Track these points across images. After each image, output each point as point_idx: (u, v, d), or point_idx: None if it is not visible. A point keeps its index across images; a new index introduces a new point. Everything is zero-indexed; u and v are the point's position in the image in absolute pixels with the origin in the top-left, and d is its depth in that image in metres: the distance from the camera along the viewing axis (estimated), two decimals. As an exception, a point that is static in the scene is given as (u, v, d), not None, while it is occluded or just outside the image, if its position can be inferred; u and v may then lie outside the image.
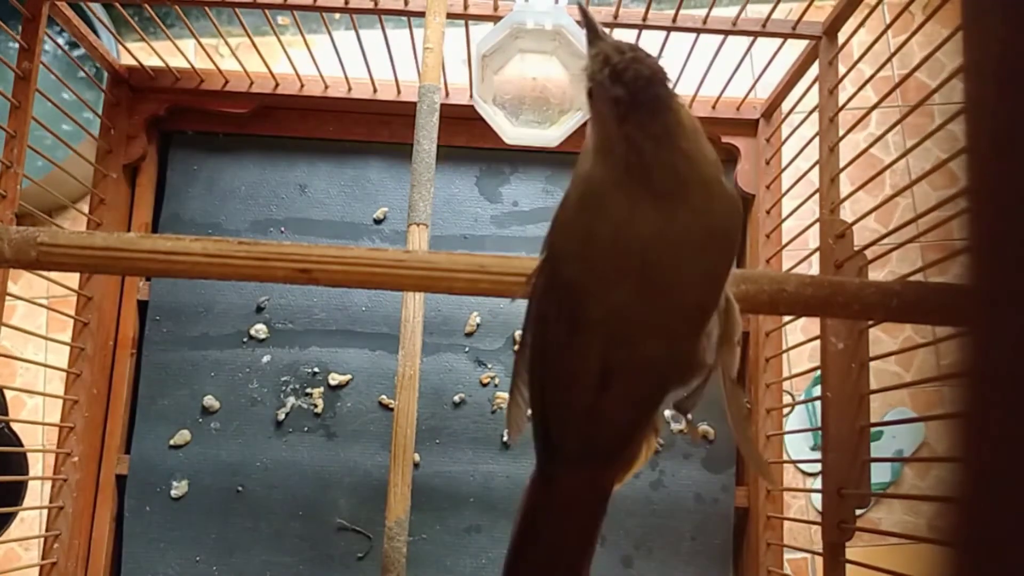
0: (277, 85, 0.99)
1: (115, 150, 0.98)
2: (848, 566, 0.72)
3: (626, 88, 0.39)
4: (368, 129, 1.02)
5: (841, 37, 0.85)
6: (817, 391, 1.39)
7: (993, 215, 0.24)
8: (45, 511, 0.89)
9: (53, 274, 0.79)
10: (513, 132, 0.90)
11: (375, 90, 1.00)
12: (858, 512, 0.72)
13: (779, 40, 0.88)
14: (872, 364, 0.73)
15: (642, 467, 0.49)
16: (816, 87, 0.85)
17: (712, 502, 0.94)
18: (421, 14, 0.85)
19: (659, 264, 0.40)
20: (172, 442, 0.95)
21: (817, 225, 0.80)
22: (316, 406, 0.95)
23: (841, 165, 0.80)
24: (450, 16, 0.84)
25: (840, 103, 0.82)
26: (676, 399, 0.47)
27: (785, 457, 1.41)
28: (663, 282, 0.41)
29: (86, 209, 0.97)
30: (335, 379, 0.96)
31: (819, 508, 1.39)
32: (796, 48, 0.90)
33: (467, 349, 0.97)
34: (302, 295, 0.98)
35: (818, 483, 1.40)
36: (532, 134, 0.91)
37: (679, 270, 0.41)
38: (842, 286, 0.52)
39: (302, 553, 0.92)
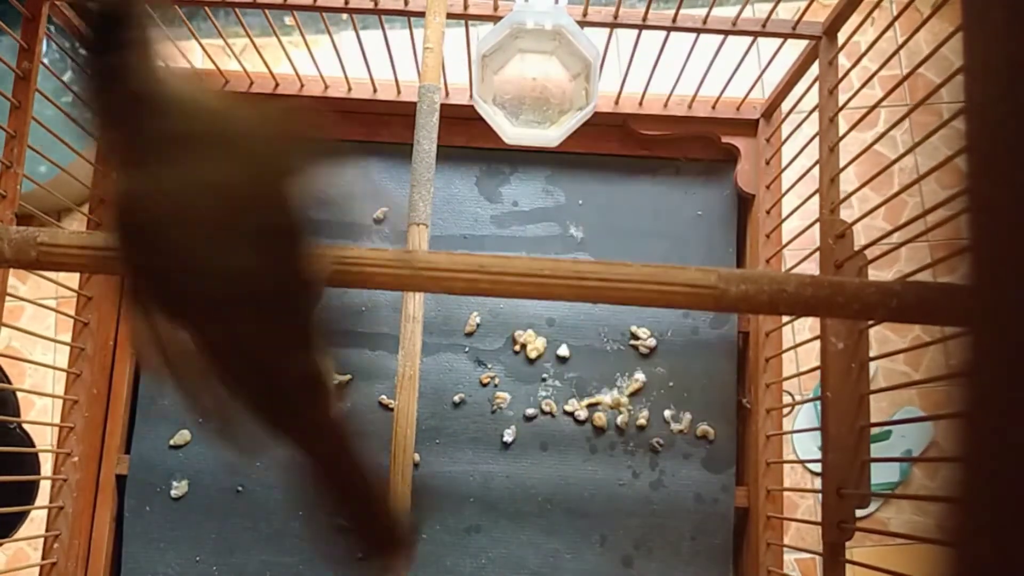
0: (277, 85, 0.99)
1: (115, 150, 0.98)
2: (849, 566, 0.72)
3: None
4: (368, 129, 1.02)
5: (841, 37, 0.85)
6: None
7: (993, 215, 0.24)
8: (45, 511, 0.89)
9: (52, 274, 0.79)
10: (513, 132, 0.90)
11: (375, 90, 1.00)
12: (862, 512, 0.72)
13: (779, 40, 0.88)
14: (880, 363, 0.73)
15: None
16: (816, 87, 0.85)
17: (712, 502, 0.94)
18: (421, 14, 0.85)
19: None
20: (172, 442, 0.95)
21: (817, 225, 0.80)
22: (316, 406, 0.95)
23: (844, 163, 0.80)
24: (450, 16, 0.84)
25: (842, 102, 0.82)
26: None
27: (793, 457, 1.41)
28: None
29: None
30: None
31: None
32: (796, 48, 0.90)
33: (467, 349, 0.97)
34: (302, 295, 0.98)
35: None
36: (532, 134, 0.91)
37: None
38: (842, 286, 0.52)
39: (302, 553, 0.92)
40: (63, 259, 0.53)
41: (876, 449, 1.21)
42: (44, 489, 1.19)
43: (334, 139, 0.42)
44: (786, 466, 1.06)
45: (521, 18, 0.85)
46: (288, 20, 1.48)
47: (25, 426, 1.14)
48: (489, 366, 0.97)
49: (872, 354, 0.73)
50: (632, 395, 0.96)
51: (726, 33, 0.89)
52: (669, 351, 0.97)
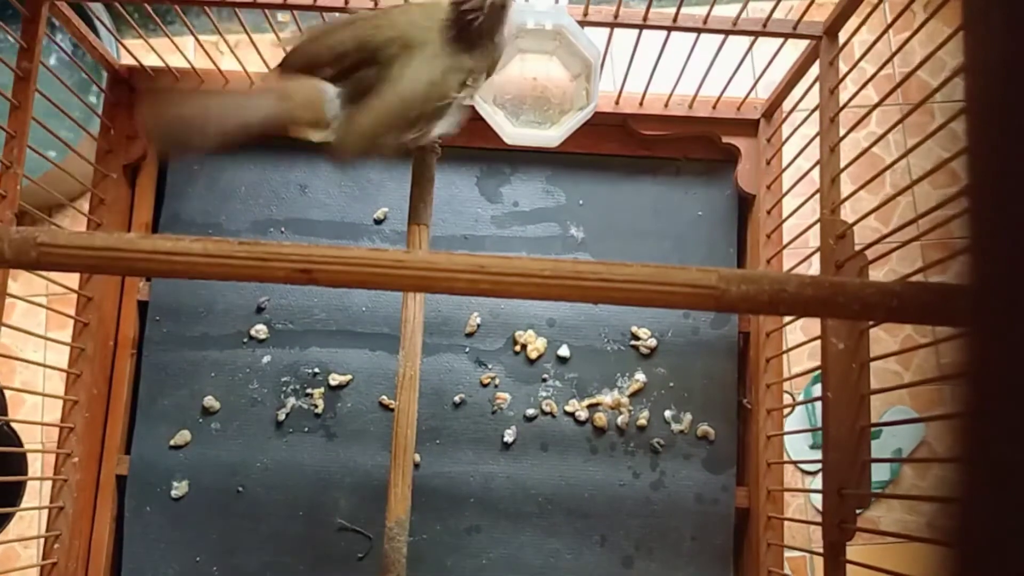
0: (277, 85, 0.99)
1: (115, 150, 0.98)
2: (847, 566, 0.72)
3: None
4: (368, 129, 1.02)
5: (842, 37, 0.85)
6: (815, 390, 1.39)
7: (992, 214, 0.24)
8: (45, 511, 0.90)
9: (53, 274, 0.79)
10: (513, 132, 0.90)
11: (375, 90, 1.00)
12: (857, 512, 0.72)
13: (779, 40, 0.88)
14: (871, 363, 0.73)
15: None
16: (817, 87, 0.85)
17: (712, 502, 0.94)
18: (421, 14, 0.85)
19: None
20: (172, 442, 0.95)
21: (818, 225, 0.80)
22: (316, 406, 0.95)
23: (842, 165, 0.80)
24: (450, 16, 0.84)
25: (841, 103, 0.82)
26: None
27: (785, 457, 1.41)
28: None
29: (84, 208, 0.97)
30: (335, 379, 0.96)
31: (818, 507, 1.39)
32: (797, 48, 0.90)
33: (467, 349, 0.97)
34: (302, 295, 0.98)
35: (816, 482, 1.40)
36: (532, 134, 0.91)
37: None
38: (843, 286, 0.52)
39: (302, 553, 0.92)
40: (63, 259, 0.53)
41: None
42: (44, 489, 1.19)
43: None
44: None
45: (521, 18, 0.85)
46: (281, 17, 1.48)
47: (14, 425, 1.14)
48: (489, 366, 0.97)
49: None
50: (633, 395, 0.96)
51: (726, 33, 0.89)
52: (670, 351, 0.97)
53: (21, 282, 1.41)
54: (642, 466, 0.95)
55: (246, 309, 0.98)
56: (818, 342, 0.76)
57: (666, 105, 1.00)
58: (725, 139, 1.00)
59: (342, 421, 0.95)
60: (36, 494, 1.34)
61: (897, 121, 0.74)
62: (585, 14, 0.88)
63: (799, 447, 1.42)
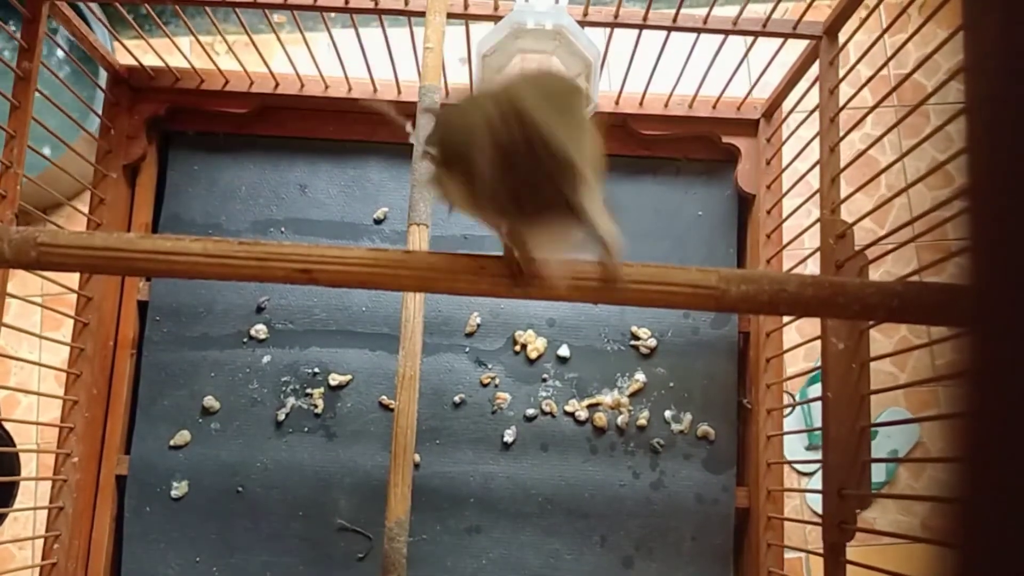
0: (277, 85, 0.99)
1: (115, 150, 0.98)
2: (847, 566, 0.72)
3: None
4: (368, 129, 1.02)
5: (841, 37, 0.85)
6: (811, 391, 1.39)
7: (992, 214, 0.24)
8: (45, 511, 0.89)
9: (52, 274, 0.79)
10: (513, 132, 0.90)
11: (375, 90, 1.00)
12: (856, 512, 0.73)
13: (779, 40, 0.88)
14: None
15: None
16: (816, 87, 0.85)
17: (712, 502, 0.94)
18: (421, 14, 0.85)
19: None
20: (172, 442, 0.95)
21: (818, 225, 0.80)
22: (316, 406, 0.95)
23: (845, 164, 0.80)
24: (450, 16, 0.84)
25: (840, 103, 0.82)
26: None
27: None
28: None
29: (83, 207, 0.97)
30: (335, 379, 0.96)
31: (814, 508, 1.39)
32: (796, 48, 0.90)
33: (467, 349, 0.97)
34: (302, 295, 0.98)
35: (813, 483, 1.40)
36: (532, 134, 0.91)
37: None
38: (843, 286, 0.52)
39: (302, 553, 0.92)
40: (63, 259, 0.53)
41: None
42: (43, 489, 1.19)
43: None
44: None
45: (521, 18, 0.85)
46: (277, 17, 1.48)
47: (7, 425, 1.13)
48: (489, 366, 0.97)
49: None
50: (632, 395, 0.96)
51: (726, 33, 0.89)
52: (670, 351, 0.97)
53: (16, 281, 1.40)
54: (642, 466, 0.95)
55: (246, 309, 0.98)
56: (817, 342, 0.76)
57: (666, 105, 1.00)
58: (725, 139, 1.00)
59: (342, 421, 0.95)
60: (32, 495, 1.34)
61: (897, 122, 0.74)
62: (585, 14, 0.88)
63: (794, 448, 1.42)
